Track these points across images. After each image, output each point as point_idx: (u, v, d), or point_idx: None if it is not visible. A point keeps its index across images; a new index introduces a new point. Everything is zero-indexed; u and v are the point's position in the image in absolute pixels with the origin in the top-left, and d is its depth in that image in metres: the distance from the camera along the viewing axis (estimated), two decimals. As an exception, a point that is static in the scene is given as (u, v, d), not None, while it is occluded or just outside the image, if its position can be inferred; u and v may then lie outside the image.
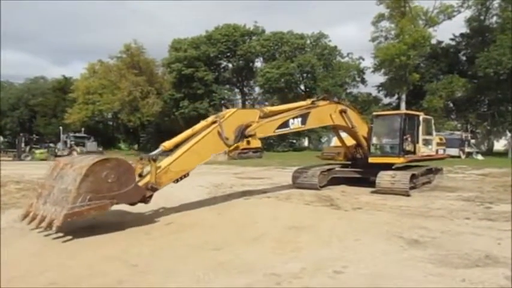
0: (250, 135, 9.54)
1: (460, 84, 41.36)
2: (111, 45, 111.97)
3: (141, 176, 7.67)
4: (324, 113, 11.95)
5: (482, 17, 43.74)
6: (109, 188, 6.74)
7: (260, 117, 10.06)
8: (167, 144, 8.43)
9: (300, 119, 11.06)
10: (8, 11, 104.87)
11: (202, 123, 9.17)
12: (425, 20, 43.25)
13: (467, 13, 44.01)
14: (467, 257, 5.59)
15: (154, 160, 7.72)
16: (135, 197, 7.28)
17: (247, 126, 9.50)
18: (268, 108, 10.77)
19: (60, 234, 6.57)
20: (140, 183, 7.44)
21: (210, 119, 9.24)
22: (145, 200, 7.65)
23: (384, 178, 11.82)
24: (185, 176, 8.54)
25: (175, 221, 8.11)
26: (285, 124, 10.69)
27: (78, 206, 6.32)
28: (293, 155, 38.77)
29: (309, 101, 11.81)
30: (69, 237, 6.52)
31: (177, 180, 8.40)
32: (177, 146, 8.67)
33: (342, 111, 12.45)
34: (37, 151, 34.99)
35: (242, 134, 9.37)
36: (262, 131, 10.04)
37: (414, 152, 13.05)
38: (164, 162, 8.10)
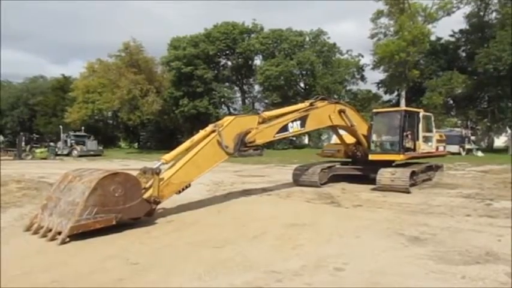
0: (250, 142, 9.57)
1: (460, 81, 41.27)
2: (110, 44, 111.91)
3: (145, 189, 7.67)
4: (323, 114, 11.93)
5: (481, 13, 43.63)
6: (115, 202, 6.80)
7: (259, 123, 10.06)
8: (167, 156, 8.39)
9: (299, 122, 11.05)
10: (7, 10, 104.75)
11: (202, 133, 9.13)
12: (425, 16, 43.11)
13: (467, 9, 43.93)
14: (468, 254, 5.60)
15: (158, 173, 7.72)
16: (140, 212, 7.34)
17: (247, 133, 9.52)
18: (267, 113, 10.74)
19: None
20: (144, 196, 7.46)
21: (209, 128, 9.18)
22: (150, 213, 7.71)
23: (384, 175, 11.84)
24: (187, 186, 8.56)
25: (175, 219, 8.14)
26: (284, 128, 10.69)
27: (84, 218, 6.36)
28: (293, 153, 38.77)
29: (307, 103, 11.79)
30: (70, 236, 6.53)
31: (179, 192, 8.43)
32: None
33: (341, 111, 12.43)
34: (37, 150, 35.00)
35: (242, 141, 9.38)
36: (262, 136, 10.04)
37: (414, 149, 13.06)
38: (166, 174, 8.10)
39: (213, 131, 9.04)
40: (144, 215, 7.56)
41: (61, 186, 7.26)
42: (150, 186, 7.68)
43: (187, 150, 8.81)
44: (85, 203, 6.41)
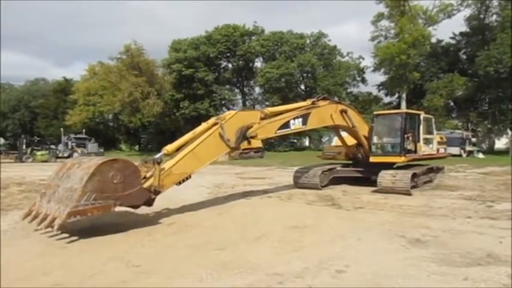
0: (252, 137, 9.56)
1: (461, 83, 41.30)
2: (111, 46, 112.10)
3: (145, 178, 7.68)
4: (325, 113, 11.95)
5: (482, 16, 43.64)
6: (114, 189, 6.76)
7: (261, 119, 10.06)
8: (169, 147, 8.42)
9: (300, 120, 11.07)
10: (8, 11, 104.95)
11: (204, 125, 9.16)
12: (425, 18, 43.17)
13: (467, 12, 43.94)
14: (469, 256, 5.60)
15: (159, 163, 7.74)
16: (139, 199, 7.32)
17: (249, 127, 9.51)
18: (269, 109, 10.79)
19: (64, 236, 6.59)
20: (144, 186, 7.45)
21: (211, 121, 9.22)
22: (149, 202, 7.68)
23: (385, 177, 11.83)
24: (187, 178, 8.55)
25: (177, 222, 8.13)
26: (286, 125, 10.70)
27: (82, 204, 6.33)
28: (294, 155, 38.78)
29: (309, 101, 11.82)
30: (73, 238, 6.54)
31: (179, 183, 8.42)
32: (179, 149, 8.68)
33: (343, 111, 12.44)
34: (38, 153, 35.03)
35: (243, 135, 9.38)
36: (264, 132, 10.04)
37: (415, 151, 13.05)
38: (167, 164, 8.12)
39: (215, 124, 9.06)
40: (143, 204, 7.54)
41: (60, 174, 7.24)
42: (150, 176, 7.70)
43: (189, 141, 8.82)
44: (83, 188, 6.38)
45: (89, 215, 6.46)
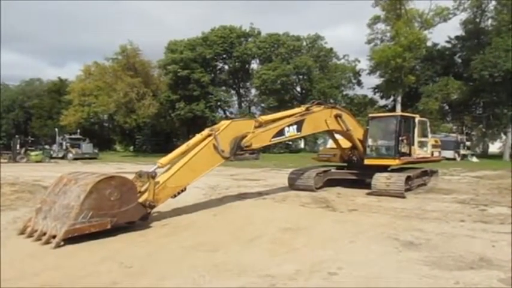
0: (247, 147, 9.56)
1: (456, 87, 41.57)
2: (106, 47, 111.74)
3: (140, 192, 7.63)
4: (319, 118, 11.94)
5: (477, 20, 44.00)
6: (111, 206, 6.75)
7: (255, 127, 10.04)
8: (163, 160, 8.35)
9: (295, 127, 11.06)
10: (4, 11, 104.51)
11: (198, 137, 9.09)
12: (421, 22, 43.51)
13: (463, 15, 44.40)
14: (462, 259, 5.61)
15: (153, 177, 7.69)
16: (135, 216, 7.30)
17: (243, 137, 9.49)
18: (263, 118, 10.76)
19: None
20: (139, 200, 7.41)
21: (205, 132, 9.14)
22: (145, 217, 7.66)
23: (379, 180, 11.85)
24: (182, 190, 8.52)
25: (170, 223, 8.11)
26: (280, 132, 10.69)
27: (79, 222, 6.31)
28: (289, 157, 38.81)
29: (303, 108, 11.81)
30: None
31: (174, 196, 8.39)
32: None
33: (337, 116, 12.44)
34: (32, 153, 34.78)
35: (238, 145, 9.36)
36: (258, 141, 10.03)
37: (410, 154, 13.09)
38: (161, 178, 8.05)
39: (209, 135, 9.02)
40: (139, 219, 7.53)
41: (56, 190, 7.19)
42: (145, 190, 7.65)
43: (183, 154, 8.78)
44: (80, 206, 6.35)
45: (85, 233, 6.44)
